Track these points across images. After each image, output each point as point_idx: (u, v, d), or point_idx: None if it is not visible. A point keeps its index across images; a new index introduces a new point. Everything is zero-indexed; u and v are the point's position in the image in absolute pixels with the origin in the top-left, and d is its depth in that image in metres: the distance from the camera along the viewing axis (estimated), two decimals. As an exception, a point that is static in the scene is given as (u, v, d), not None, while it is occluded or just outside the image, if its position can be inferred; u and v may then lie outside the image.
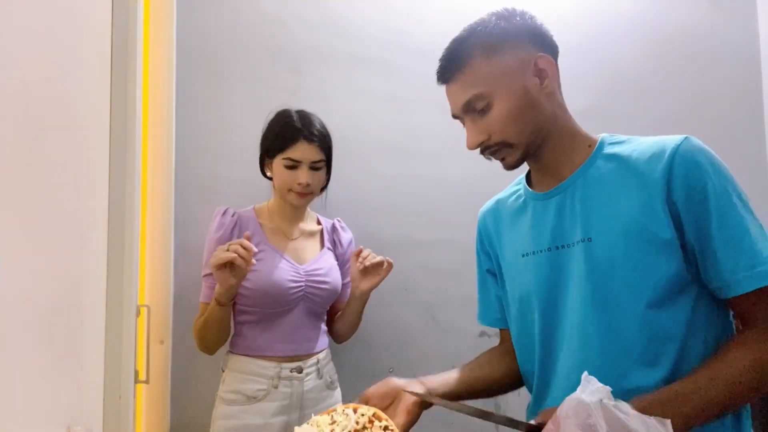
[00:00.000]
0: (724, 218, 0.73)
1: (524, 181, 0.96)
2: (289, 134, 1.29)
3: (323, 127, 1.35)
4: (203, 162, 1.58)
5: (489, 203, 1.04)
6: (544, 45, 0.85)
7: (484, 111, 0.83)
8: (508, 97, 0.82)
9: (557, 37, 0.87)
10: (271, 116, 1.37)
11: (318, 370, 1.35)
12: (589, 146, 0.87)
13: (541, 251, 0.86)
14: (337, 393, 1.42)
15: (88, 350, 0.84)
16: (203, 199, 1.56)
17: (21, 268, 0.58)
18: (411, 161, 1.71)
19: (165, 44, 1.50)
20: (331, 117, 1.66)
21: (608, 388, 0.59)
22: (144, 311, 1.26)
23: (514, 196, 0.97)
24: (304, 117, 1.33)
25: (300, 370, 1.32)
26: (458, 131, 1.76)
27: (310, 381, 1.33)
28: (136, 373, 0.98)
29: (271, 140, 1.32)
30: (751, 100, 1.86)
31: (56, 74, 0.70)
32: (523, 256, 0.89)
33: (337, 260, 1.44)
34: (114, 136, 0.93)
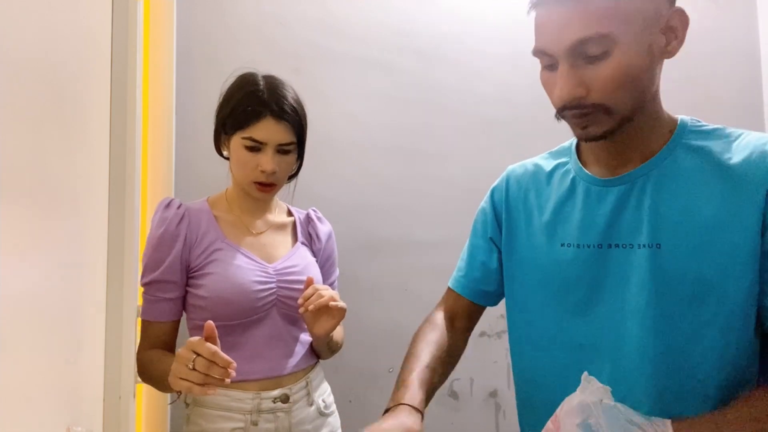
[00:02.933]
0: None
1: (574, 154, 0.81)
2: (253, 108, 1.03)
3: (296, 99, 1.08)
4: (203, 162, 1.58)
5: (522, 166, 0.88)
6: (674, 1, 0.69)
7: (594, 59, 0.65)
8: (632, 51, 0.64)
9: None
10: (232, 80, 1.11)
11: (308, 394, 1.09)
12: (669, 131, 0.73)
13: (588, 246, 0.74)
14: (334, 420, 1.16)
15: (88, 350, 0.84)
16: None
17: (20, 267, 0.58)
18: (411, 161, 1.71)
19: (165, 44, 1.50)
20: (331, 117, 1.67)
21: (608, 388, 0.58)
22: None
23: (561, 171, 0.82)
24: (273, 87, 1.05)
25: (286, 399, 1.04)
26: (458, 131, 1.77)
27: (300, 410, 1.07)
28: (136, 373, 0.98)
29: (229, 113, 1.06)
30: (751, 100, 1.86)
31: (55, 74, 0.70)
32: (562, 245, 0.77)
33: (315, 257, 1.18)
34: (114, 136, 0.93)
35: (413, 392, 0.73)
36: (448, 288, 0.97)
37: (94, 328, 0.88)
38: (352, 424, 1.37)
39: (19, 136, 0.58)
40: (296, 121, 1.06)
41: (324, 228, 1.23)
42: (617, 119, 0.68)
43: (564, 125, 0.74)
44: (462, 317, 0.93)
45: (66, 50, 0.73)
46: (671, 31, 0.68)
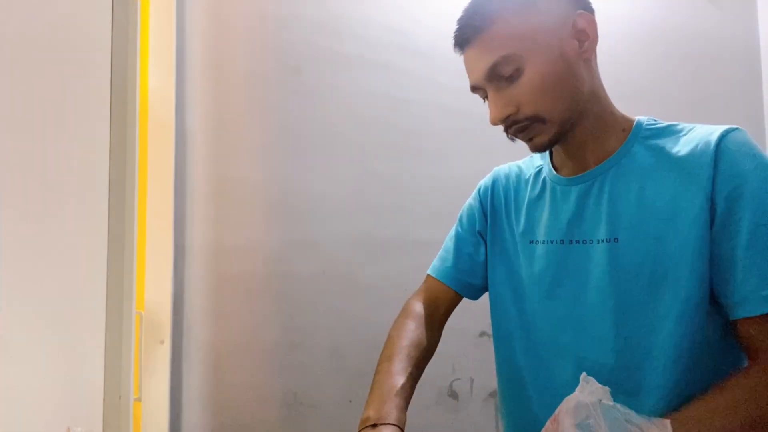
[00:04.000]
0: (760, 226, 0.63)
1: (548, 156, 0.85)
2: None
3: None
4: (203, 162, 1.58)
5: (508, 168, 0.92)
6: (583, 3, 0.73)
7: (512, 78, 0.70)
8: (543, 61, 0.69)
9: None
10: None
11: None
12: (624, 130, 0.76)
13: (552, 242, 0.78)
14: None
15: (88, 350, 0.84)
16: (203, 199, 1.56)
17: (20, 267, 0.58)
18: (411, 161, 1.71)
19: (165, 44, 1.50)
20: (331, 117, 1.67)
21: (607, 389, 0.58)
22: (138, 319, 1.24)
23: (535, 171, 0.86)
24: None
25: None
26: (458, 131, 1.78)
27: None
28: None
29: None
30: (751, 100, 1.86)
31: (55, 74, 0.70)
32: (531, 242, 0.81)
33: None
34: (114, 136, 0.93)
35: (399, 413, 0.71)
36: (430, 277, 0.97)
37: (94, 328, 0.88)
38: (352, 424, 1.37)
39: (20, 137, 0.58)
40: None
41: None
42: (556, 125, 0.72)
43: None
44: (442, 308, 0.93)
45: (66, 50, 0.73)
46: (581, 34, 0.71)
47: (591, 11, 0.73)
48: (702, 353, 0.68)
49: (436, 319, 0.92)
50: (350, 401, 1.59)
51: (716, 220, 0.66)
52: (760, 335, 0.64)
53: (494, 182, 0.92)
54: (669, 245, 0.68)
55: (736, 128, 0.69)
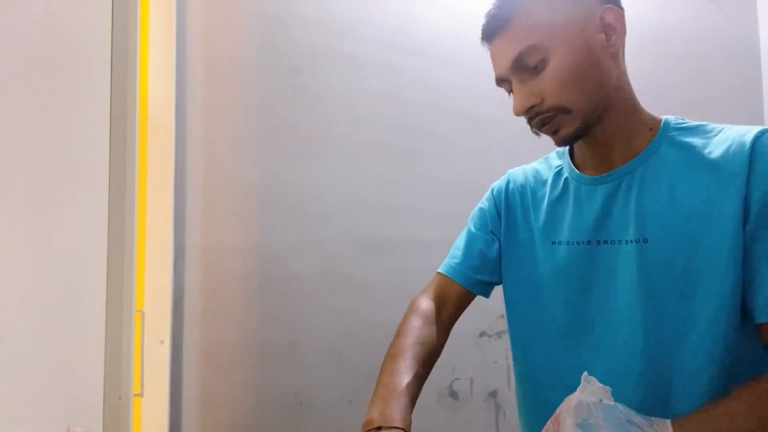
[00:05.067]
0: None
1: (567, 155, 0.83)
2: None
3: None
4: (203, 162, 1.58)
5: (522, 169, 0.91)
6: None
7: (537, 69, 0.70)
8: (569, 52, 0.69)
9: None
10: None
11: None
12: (651, 129, 0.75)
13: (578, 243, 0.76)
14: None
15: (88, 350, 0.84)
16: (203, 199, 1.56)
17: (21, 267, 0.58)
18: (411, 161, 1.71)
19: (165, 44, 1.50)
20: (331, 117, 1.67)
21: (608, 389, 0.58)
22: (139, 317, 1.24)
23: (555, 173, 0.84)
24: None
25: None
26: (458, 131, 1.77)
27: None
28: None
29: None
30: (751, 100, 1.86)
31: (55, 75, 0.70)
32: (553, 243, 0.79)
33: None
34: (114, 136, 0.93)
35: (404, 414, 0.69)
36: (439, 274, 0.95)
37: (94, 328, 0.88)
38: (352, 424, 1.37)
39: (19, 137, 0.58)
40: None
41: None
42: (580, 117, 0.71)
43: None
44: (451, 305, 0.91)
45: (66, 50, 0.73)
46: (608, 27, 0.72)
47: (619, 6, 0.74)
48: (736, 359, 0.67)
49: (444, 316, 0.90)
50: (350, 401, 1.59)
51: (749, 221, 0.64)
52: None
53: (508, 183, 0.91)
54: (702, 246, 0.67)
55: None
